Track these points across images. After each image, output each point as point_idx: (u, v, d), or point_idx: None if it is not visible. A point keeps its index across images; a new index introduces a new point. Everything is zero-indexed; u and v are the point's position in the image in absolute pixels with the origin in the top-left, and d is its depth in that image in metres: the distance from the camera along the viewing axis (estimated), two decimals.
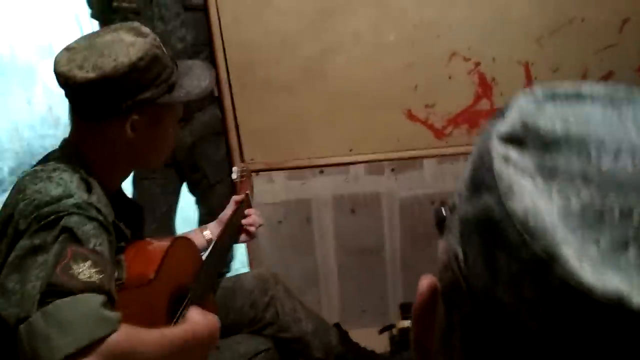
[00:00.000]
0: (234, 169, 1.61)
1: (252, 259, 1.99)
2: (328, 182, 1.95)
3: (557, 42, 1.79)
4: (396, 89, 1.83)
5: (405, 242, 2.00)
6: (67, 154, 1.06)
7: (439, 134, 1.91)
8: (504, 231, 0.29)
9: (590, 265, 0.27)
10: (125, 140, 1.06)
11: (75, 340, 0.79)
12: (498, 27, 1.78)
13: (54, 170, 1.01)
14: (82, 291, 0.84)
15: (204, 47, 1.81)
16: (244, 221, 1.46)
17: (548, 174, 0.30)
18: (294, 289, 1.62)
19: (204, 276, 1.26)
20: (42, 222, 0.90)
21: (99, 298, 0.85)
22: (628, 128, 0.31)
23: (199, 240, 1.40)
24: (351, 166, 1.93)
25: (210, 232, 1.44)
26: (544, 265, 0.27)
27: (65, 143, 1.09)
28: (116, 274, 1.06)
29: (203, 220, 2.01)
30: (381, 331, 1.88)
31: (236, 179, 1.57)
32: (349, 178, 1.95)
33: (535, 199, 0.29)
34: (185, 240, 1.29)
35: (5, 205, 0.98)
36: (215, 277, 1.35)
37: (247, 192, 1.52)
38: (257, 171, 1.90)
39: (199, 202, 2.09)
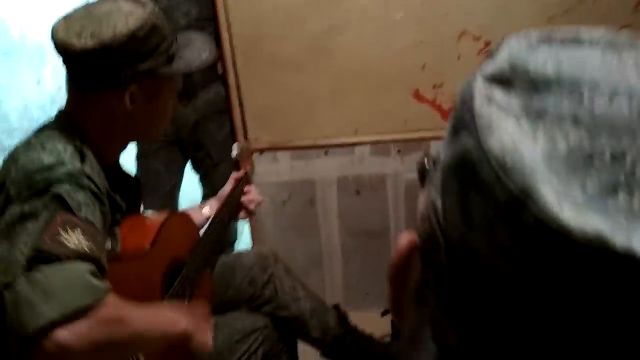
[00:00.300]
0: (234, 146, 1.59)
1: (255, 239, 1.98)
2: (333, 163, 1.93)
3: (569, 22, 1.74)
4: (404, 68, 1.80)
5: (411, 224, 1.97)
6: (63, 124, 1.05)
7: (446, 115, 1.87)
8: (479, 172, 0.27)
9: (571, 207, 0.24)
10: (123, 111, 1.05)
11: (60, 307, 0.78)
12: (509, 6, 1.73)
13: (48, 139, 1.00)
14: (70, 258, 0.83)
15: (208, 22, 1.78)
16: (243, 198, 1.45)
17: (535, 115, 0.28)
18: (298, 270, 1.60)
19: (200, 251, 1.25)
20: (33, 189, 0.89)
21: (87, 266, 0.84)
22: (628, 72, 0.29)
23: (197, 217, 1.39)
24: (356, 147, 1.90)
25: (210, 208, 1.43)
26: (518, 204, 0.25)
27: (61, 113, 1.07)
28: (110, 246, 1.05)
29: (207, 199, 2.00)
30: (383, 314, 1.86)
31: (236, 156, 1.56)
32: (354, 159, 1.92)
33: (516, 138, 0.27)
34: (181, 214, 1.27)
35: None
36: (213, 253, 1.33)
37: (246, 169, 1.51)
38: (261, 150, 1.88)
39: (202, 181, 2.08)
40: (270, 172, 1.91)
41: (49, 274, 0.80)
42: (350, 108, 1.84)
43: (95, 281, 0.83)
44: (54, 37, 0.99)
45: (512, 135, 0.27)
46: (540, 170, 0.26)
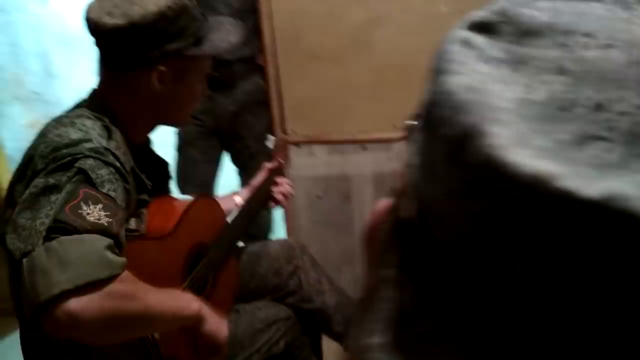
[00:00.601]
0: (270, 137, 1.59)
1: (289, 233, 1.97)
2: (370, 159, 1.89)
3: None
4: None
5: None
6: (93, 103, 1.07)
7: None
8: (439, 113, 0.25)
9: (529, 151, 0.22)
10: (150, 92, 1.06)
11: (73, 278, 0.79)
12: None
13: (78, 117, 1.02)
14: (89, 231, 0.84)
15: (249, 13, 1.79)
16: (274, 189, 1.43)
17: (518, 62, 0.26)
18: (330, 266, 1.58)
19: (226, 238, 1.25)
20: (58, 163, 0.90)
21: (104, 241, 0.84)
22: (634, 26, 0.26)
23: (229, 204, 1.39)
24: (395, 143, 1.86)
25: (241, 197, 1.43)
26: (466, 142, 0.23)
27: (93, 92, 1.10)
28: (135, 225, 1.06)
29: None
30: None
31: (271, 147, 1.55)
32: (392, 155, 1.88)
33: (487, 80, 0.25)
34: (209, 199, 1.28)
35: (28, 148, 1.00)
36: (239, 241, 1.33)
37: (280, 160, 1.50)
38: (298, 143, 1.87)
39: (240, 172, 2.09)
40: (307, 166, 1.90)
41: (66, 245, 0.81)
42: (390, 103, 1.80)
43: (111, 256, 0.84)
44: (87, 16, 1.01)
45: (483, 77, 0.26)
46: (503, 112, 0.24)
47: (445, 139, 0.24)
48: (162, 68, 1.04)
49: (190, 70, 1.09)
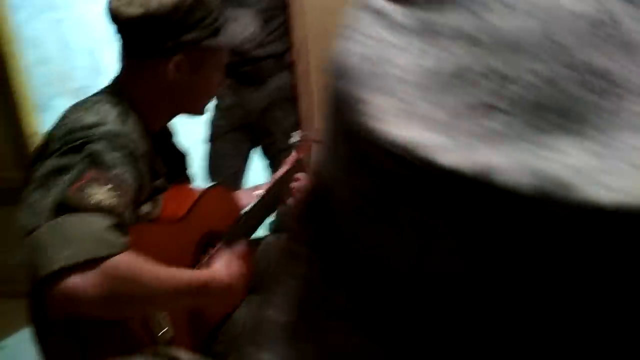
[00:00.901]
0: (294, 133, 1.60)
1: None
2: None
3: None
4: None
5: None
6: (113, 90, 1.10)
7: None
8: (333, 85, 0.25)
9: (409, 122, 0.21)
10: (167, 81, 1.08)
11: (72, 255, 0.82)
12: None
13: (97, 102, 1.06)
14: (91, 211, 0.86)
15: (279, 11, 1.81)
16: (293, 184, 1.44)
17: (428, 32, 0.25)
18: None
19: (239, 228, 1.26)
20: (70, 145, 0.94)
21: (107, 221, 0.87)
22: None
23: (248, 199, 1.40)
24: None
25: (261, 192, 1.44)
26: (346, 111, 0.23)
27: (114, 79, 1.13)
28: (149, 210, 1.09)
29: None
30: None
31: (294, 143, 1.56)
32: None
33: (387, 51, 0.24)
34: (222, 189, 1.29)
35: (47, 131, 1.04)
36: (253, 232, 1.34)
37: (301, 155, 1.50)
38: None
39: (268, 168, 2.10)
40: None
41: (68, 223, 0.84)
42: None
43: (111, 236, 0.86)
44: (108, 6, 1.04)
45: (383, 46, 0.24)
46: (394, 81, 0.23)
47: (334, 110, 0.24)
48: (179, 58, 1.07)
49: (206, 61, 1.11)
